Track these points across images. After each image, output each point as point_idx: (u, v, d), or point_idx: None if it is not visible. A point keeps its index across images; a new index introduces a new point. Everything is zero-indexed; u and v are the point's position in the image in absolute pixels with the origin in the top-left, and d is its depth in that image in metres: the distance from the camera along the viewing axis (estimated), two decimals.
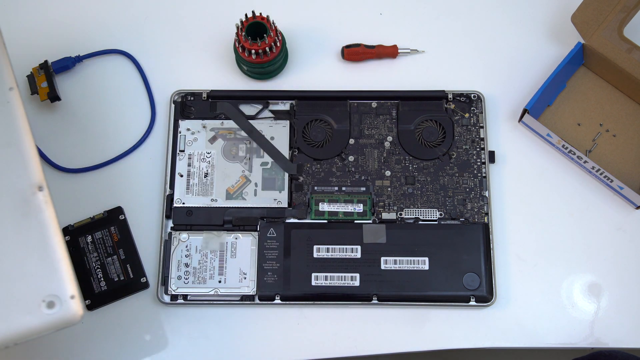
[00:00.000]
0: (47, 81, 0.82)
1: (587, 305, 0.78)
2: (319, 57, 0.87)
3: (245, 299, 0.77)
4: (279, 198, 0.80)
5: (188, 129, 0.82)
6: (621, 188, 0.78)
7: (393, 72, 0.86)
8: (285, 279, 0.77)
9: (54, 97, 0.82)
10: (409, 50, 0.86)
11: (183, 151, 0.81)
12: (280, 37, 0.82)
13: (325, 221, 0.79)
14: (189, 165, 0.81)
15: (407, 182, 0.80)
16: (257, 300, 0.77)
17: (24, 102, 0.84)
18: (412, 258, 0.77)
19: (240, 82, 0.86)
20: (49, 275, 0.61)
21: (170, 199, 0.80)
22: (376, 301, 0.77)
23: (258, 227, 0.79)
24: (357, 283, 0.77)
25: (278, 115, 0.83)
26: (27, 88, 0.84)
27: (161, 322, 0.78)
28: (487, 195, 0.80)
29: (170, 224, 0.79)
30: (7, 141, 0.65)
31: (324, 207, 0.80)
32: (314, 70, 0.86)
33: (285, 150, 0.81)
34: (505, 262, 0.79)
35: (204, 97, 0.83)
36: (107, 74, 0.86)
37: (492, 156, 0.81)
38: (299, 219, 0.79)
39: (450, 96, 0.83)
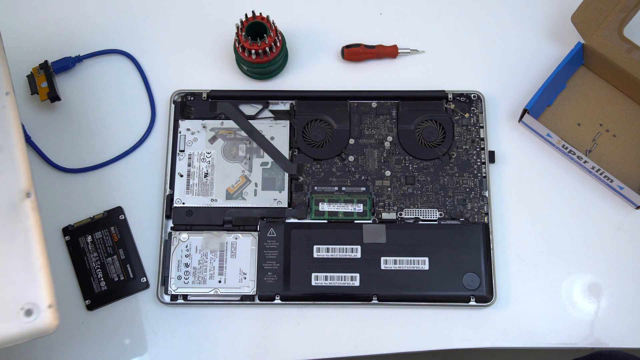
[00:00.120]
0: (47, 81, 0.82)
1: (587, 305, 0.78)
2: (319, 57, 0.87)
3: (245, 299, 0.77)
4: (279, 198, 0.80)
5: (188, 129, 0.82)
6: (621, 188, 0.78)
7: (393, 72, 0.86)
8: (285, 279, 0.77)
9: (54, 97, 0.82)
10: (409, 50, 0.86)
11: (183, 151, 0.81)
12: (280, 37, 0.82)
13: (325, 221, 0.79)
14: (189, 165, 0.81)
15: (407, 182, 0.80)
16: (257, 300, 0.77)
17: (24, 102, 0.85)
18: (412, 258, 0.77)
19: (240, 82, 0.86)
20: (29, 283, 0.61)
21: (170, 199, 0.80)
22: (376, 301, 0.77)
23: (258, 227, 0.79)
24: (357, 283, 0.77)
25: (278, 115, 0.83)
26: (27, 88, 0.84)
27: (161, 322, 0.78)
28: (487, 195, 0.80)
29: (170, 224, 0.80)
30: (0, 145, 0.65)
31: (324, 207, 0.80)
32: (314, 70, 0.86)
33: (285, 150, 0.81)
34: (505, 262, 0.79)
35: (204, 97, 0.83)
36: (107, 74, 0.86)
37: (492, 156, 0.81)
38: (299, 219, 0.79)
39: (450, 96, 0.83)
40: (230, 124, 0.82)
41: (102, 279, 0.78)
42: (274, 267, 0.77)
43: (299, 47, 0.87)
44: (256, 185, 0.80)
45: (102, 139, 0.84)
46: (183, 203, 0.80)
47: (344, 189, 0.80)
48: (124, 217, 0.80)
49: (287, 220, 0.79)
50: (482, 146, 0.81)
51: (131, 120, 0.84)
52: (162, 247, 0.78)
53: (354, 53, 0.85)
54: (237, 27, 0.80)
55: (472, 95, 0.83)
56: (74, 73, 0.86)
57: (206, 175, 0.81)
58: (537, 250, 0.79)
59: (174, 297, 0.77)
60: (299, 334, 0.77)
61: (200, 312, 0.78)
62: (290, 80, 0.86)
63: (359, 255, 0.78)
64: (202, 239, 0.78)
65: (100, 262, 0.79)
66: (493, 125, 0.83)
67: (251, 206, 0.79)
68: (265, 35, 0.80)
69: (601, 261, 0.79)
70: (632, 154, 0.81)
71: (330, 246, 0.78)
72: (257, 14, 0.80)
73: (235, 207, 0.79)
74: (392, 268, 0.77)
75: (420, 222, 0.79)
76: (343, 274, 0.77)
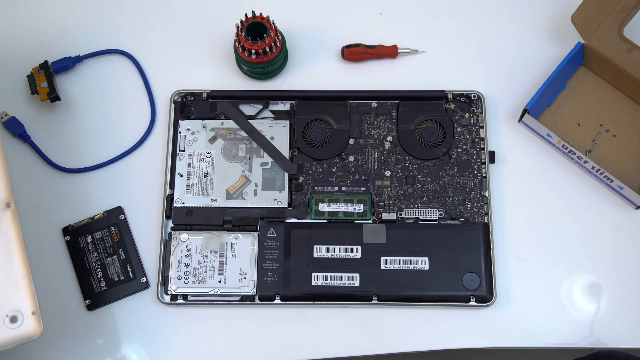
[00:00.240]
0: (47, 81, 0.82)
1: (587, 305, 0.78)
2: (319, 57, 0.87)
3: (245, 299, 0.77)
4: (279, 198, 0.80)
5: (188, 129, 0.82)
6: (621, 188, 0.78)
7: (393, 72, 0.86)
8: (285, 279, 0.77)
9: (54, 97, 0.82)
10: (409, 50, 0.86)
11: (183, 151, 0.81)
12: (280, 37, 0.82)
13: (325, 221, 0.79)
14: (189, 165, 0.81)
15: (407, 182, 0.80)
16: (257, 300, 0.77)
17: (24, 102, 0.85)
18: (412, 258, 0.77)
19: (240, 82, 0.86)
20: (12, 291, 0.63)
21: (170, 199, 0.80)
22: (376, 301, 0.77)
23: (258, 227, 0.79)
24: (357, 283, 0.77)
25: (278, 115, 0.83)
26: (27, 88, 0.84)
27: (161, 322, 0.78)
28: (487, 195, 0.80)
29: (170, 224, 0.79)
30: None
31: (324, 207, 0.80)
32: (314, 70, 0.86)
33: (285, 150, 0.81)
34: (505, 262, 0.79)
35: (204, 97, 0.83)
36: (107, 74, 0.86)
37: (492, 156, 0.81)
38: (299, 219, 0.79)
39: (450, 96, 0.83)
40: (230, 124, 0.82)
41: (102, 279, 0.78)
42: (274, 267, 0.77)
43: (299, 47, 0.87)
44: (256, 185, 0.80)
45: (102, 139, 0.84)
46: (183, 203, 0.80)
47: (344, 189, 0.80)
48: (124, 217, 0.80)
49: (287, 220, 0.79)
50: (482, 146, 0.81)
51: (131, 120, 0.84)
52: (162, 247, 0.78)
53: (354, 53, 0.85)
54: (237, 27, 0.80)
55: (472, 95, 0.83)
56: (74, 73, 0.86)
57: (206, 175, 0.81)
58: (537, 250, 0.79)
59: (174, 297, 0.77)
60: (299, 334, 0.77)
61: (200, 312, 0.78)
62: (290, 80, 0.86)
63: (359, 255, 0.78)
64: (202, 239, 0.78)
65: (100, 262, 0.79)
66: (493, 125, 0.83)
67: (251, 206, 0.79)
68: (265, 35, 0.80)
69: (601, 261, 0.79)
70: (632, 154, 0.81)
71: (330, 246, 0.78)
72: (257, 14, 0.80)
73: (235, 207, 0.79)
74: (392, 268, 0.77)
75: (420, 222, 0.79)
76: (343, 274, 0.77)
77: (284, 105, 0.83)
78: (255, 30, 0.81)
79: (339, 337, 0.77)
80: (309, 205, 0.80)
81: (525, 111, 0.80)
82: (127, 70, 0.86)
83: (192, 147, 0.81)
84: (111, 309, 0.78)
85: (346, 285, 0.77)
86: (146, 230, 0.80)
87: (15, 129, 0.82)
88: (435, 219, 0.79)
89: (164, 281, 0.77)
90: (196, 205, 0.79)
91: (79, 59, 0.86)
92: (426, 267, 0.77)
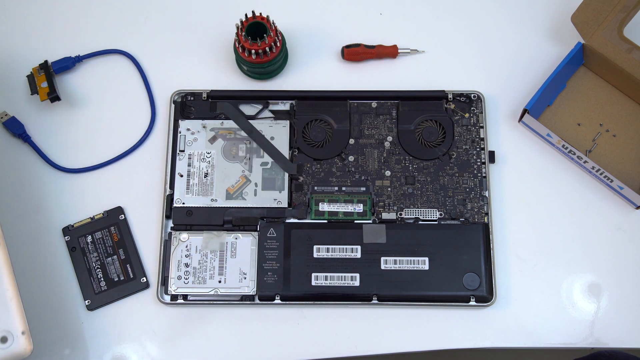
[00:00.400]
0: (47, 81, 0.82)
1: (587, 305, 0.78)
2: (319, 57, 0.87)
3: (245, 299, 0.77)
4: (279, 198, 0.80)
5: (188, 129, 0.82)
6: (621, 188, 0.78)
7: (393, 72, 0.86)
8: (285, 279, 0.77)
9: (54, 97, 0.82)
10: (409, 50, 0.86)
11: (183, 151, 0.81)
12: (280, 37, 0.82)
13: (325, 221, 0.79)
14: (189, 165, 0.81)
15: (407, 182, 0.80)
16: (257, 300, 0.77)
17: (24, 102, 0.85)
18: (412, 258, 0.77)
19: (240, 82, 0.86)
20: (2, 313, 0.66)
21: (170, 199, 0.80)
22: (376, 301, 0.77)
23: (258, 227, 0.79)
24: (357, 283, 0.77)
25: (278, 115, 0.83)
26: (27, 88, 0.84)
27: (161, 322, 0.78)
28: (487, 195, 0.80)
29: (170, 224, 0.79)
30: None
31: (324, 207, 0.80)
32: (314, 70, 0.86)
33: (285, 150, 0.81)
34: (505, 262, 0.79)
35: (204, 97, 0.83)
36: (107, 74, 0.86)
37: (492, 156, 0.81)
38: (299, 219, 0.79)
39: (450, 96, 0.83)
40: (230, 124, 0.82)
41: (102, 279, 0.78)
42: (274, 267, 0.77)
43: (299, 47, 0.87)
44: (256, 185, 0.80)
45: (102, 139, 0.84)
46: (183, 203, 0.80)
47: (344, 189, 0.80)
48: (124, 217, 0.80)
49: (287, 220, 0.79)
50: (482, 146, 0.81)
51: (131, 120, 0.84)
52: (162, 247, 0.78)
53: (354, 53, 0.85)
54: (237, 27, 0.80)
55: (472, 95, 0.83)
56: (74, 73, 0.86)
57: (206, 175, 0.81)
58: (537, 250, 0.79)
59: (174, 297, 0.77)
60: (299, 334, 0.77)
61: (200, 312, 0.78)
62: (290, 80, 0.86)
63: (359, 255, 0.78)
64: (202, 239, 0.78)
65: (100, 262, 0.79)
66: (493, 125, 0.83)
67: (251, 206, 0.79)
68: (265, 35, 0.80)
69: (601, 261, 0.79)
70: (632, 154, 0.81)
71: (330, 246, 0.78)
72: (257, 14, 0.80)
73: (235, 207, 0.79)
74: (392, 268, 0.77)
75: (420, 222, 0.79)
76: (343, 274, 0.77)
77: (284, 105, 0.83)
78: (255, 30, 0.81)
79: (339, 337, 0.77)
80: (309, 205, 0.80)
81: (525, 111, 0.80)
82: (127, 70, 0.86)
83: (192, 147, 0.81)
84: (111, 309, 0.78)
85: (346, 285, 0.77)
86: (146, 230, 0.80)
87: (15, 129, 0.82)
88: (435, 219, 0.79)
89: (164, 281, 0.77)
90: (196, 205, 0.79)
91: (79, 59, 0.86)
92: (426, 267, 0.77)
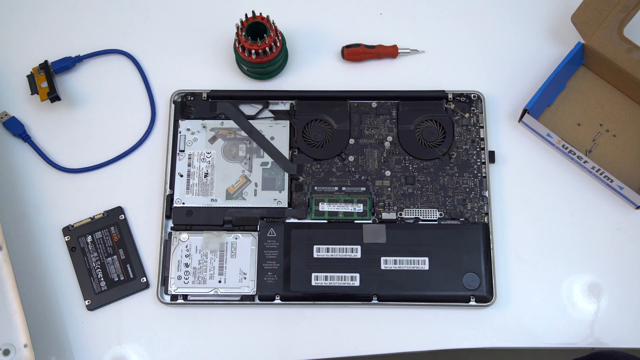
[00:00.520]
0: (47, 81, 0.82)
1: (587, 305, 0.78)
2: (319, 57, 0.87)
3: (245, 299, 0.77)
4: (279, 198, 0.80)
5: (188, 129, 0.82)
6: (621, 188, 0.78)
7: (393, 72, 0.86)
8: (285, 279, 0.77)
9: (54, 97, 0.82)
10: (409, 50, 0.86)
11: (183, 151, 0.81)
12: (280, 37, 0.82)
13: (325, 221, 0.79)
14: (189, 165, 0.81)
15: (407, 182, 0.80)
16: (257, 300, 0.77)
17: (24, 102, 0.85)
18: (412, 258, 0.77)
19: (240, 82, 0.86)
20: (6, 326, 0.69)
21: (170, 199, 0.80)
22: (376, 301, 0.77)
23: (258, 227, 0.79)
24: (357, 283, 0.77)
25: (278, 115, 0.83)
26: (27, 88, 0.84)
27: (161, 322, 0.78)
28: (487, 195, 0.80)
29: (170, 224, 0.79)
30: None
31: (324, 207, 0.80)
32: (314, 70, 0.86)
33: (285, 150, 0.81)
34: (505, 262, 0.79)
35: (204, 97, 0.83)
36: (107, 74, 0.86)
37: (492, 156, 0.81)
38: (299, 219, 0.79)
39: (450, 96, 0.83)
40: (230, 124, 0.82)
41: (102, 279, 0.78)
42: (274, 267, 0.77)
43: (299, 47, 0.87)
44: (256, 185, 0.80)
45: (102, 139, 0.84)
46: (183, 203, 0.80)
47: (344, 189, 0.80)
48: (124, 217, 0.80)
49: (287, 220, 0.79)
50: (482, 146, 0.81)
51: (131, 120, 0.84)
52: (162, 247, 0.78)
53: (354, 53, 0.85)
54: (237, 27, 0.80)
55: (472, 95, 0.83)
56: (74, 73, 0.86)
57: (206, 175, 0.81)
58: (537, 250, 0.79)
59: (174, 297, 0.77)
60: (299, 334, 0.77)
61: (200, 312, 0.78)
62: (290, 80, 0.86)
63: (359, 255, 0.78)
64: (202, 239, 0.78)
65: (100, 262, 0.79)
66: (493, 125, 0.83)
67: (251, 206, 0.79)
68: (265, 35, 0.80)
69: (601, 261, 0.79)
70: (632, 154, 0.81)
71: (330, 246, 0.78)
72: (257, 14, 0.80)
73: (235, 207, 0.79)
74: (392, 268, 0.77)
75: (420, 222, 0.79)
76: (343, 274, 0.77)
77: (284, 105, 0.83)
78: (255, 30, 0.81)
79: (339, 337, 0.77)
80: (309, 205, 0.80)
81: (525, 111, 0.80)
82: (127, 70, 0.86)
83: (192, 147, 0.81)
84: (111, 309, 0.78)
85: (346, 285, 0.77)
86: (146, 230, 0.80)
87: (15, 129, 0.82)
88: (435, 219, 0.79)
89: (164, 281, 0.77)
90: (196, 205, 0.79)
91: (79, 59, 0.86)
92: (426, 267, 0.77)
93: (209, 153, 0.81)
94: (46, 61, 0.84)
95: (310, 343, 0.77)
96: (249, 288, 0.77)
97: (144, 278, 0.79)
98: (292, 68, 0.86)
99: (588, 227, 0.80)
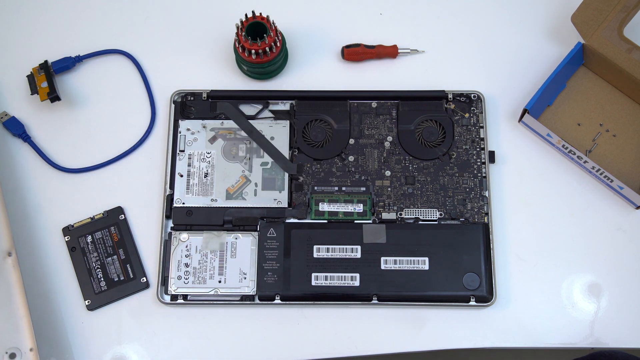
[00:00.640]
0: (47, 81, 0.82)
1: (587, 305, 0.78)
2: (319, 57, 0.87)
3: (245, 299, 0.77)
4: (279, 198, 0.80)
5: (188, 129, 0.82)
6: (621, 188, 0.78)
7: (393, 72, 0.86)
8: (285, 279, 0.77)
9: (54, 97, 0.82)
10: (409, 50, 0.86)
11: (183, 151, 0.81)
12: (280, 37, 0.82)
13: (325, 221, 0.79)
14: (189, 165, 0.81)
15: (407, 182, 0.80)
16: (257, 300, 0.77)
17: (24, 102, 0.85)
18: (412, 258, 0.77)
19: (240, 82, 0.86)
20: (12, 330, 0.71)
21: (170, 199, 0.80)
22: (376, 301, 0.77)
23: (258, 227, 0.79)
24: (357, 283, 0.77)
25: (278, 115, 0.83)
26: (27, 88, 0.84)
27: (161, 322, 0.78)
28: (487, 195, 0.80)
29: (170, 224, 0.79)
30: None
31: (324, 207, 0.80)
32: (314, 70, 0.86)
33: (285, 150, 0.81)
34: (505, 262, 0.79)
35: (204, 97, 0.83)
36: (107, 74, 0.86)
37: (492, 156, 0.81)
38: (299, 219, 0.79)
39: (450, 96, 0.83)
40: (230, 124, 0.82)
41: (102, 279, 0.78)
42: (274, 267, 0.77)
43: (299, 47, 0.87)
44: (256, 185, 0.80)
45: (102, 139, 0.84)
46: (183, 203, 0.80)
47: (344, 189, 0.80)
48: (124, 217, 0.80)
49: (287, 220, 0.79)
50: (482, 146, 0.81)
51: (131, 120, 0.84)
52: (162, 247, 0.78)
53: (354, 53, 0.85)
54: (237, 27, 0.80)
55: (472, 95, 0.83)
56: (74, 73, 0.86)
57: (206, 175, 0.81)
58: (537, 250, 0.79)
59: (174, 297, 0.77)
60: (299, 334, 0.77)
61: (200, 312, 0.78)
62: (290, 80, 0.86)
63: (359, 255, 0.78)
64: (202, 239, 0.78)
65: (100, 262, 0.79)
66: (493, 125, 0.83)
67: (251, 206, 0.79)
68: (265, 35, 0.80)
69: (601, 261, 0.79)
70: (632, 154, 0.81)
71: (330, 246, 0.78)
72: (257, 14, 0.80)
73: (235, 207, 0.79)
74: (392, 268, 0.77)
75: (420, 222, 0.79)
76: (343, 274, 0.77)
77: (284, 105, 0.83)
78: (255, 30, 0.81)
79: (339, 337, 0.77)
80: (309, 205, 0.80)
81: (525, 111, 0.80)
82: (127, 70, 0.86)
83: (192, 147, 0.81)
84: (111, 309, 0.78)
85: (346, 285, 0.77)
86: (146, 230, 0.80)
87: (15, 129, 0.82)
88: (435, 219, 0.79)
89: (164, 281, 0.77)
90: (196, 205, 0.79)
91: (79, 59, 0.86)
92: (426, 267, 0.77)
93: (209, 153, 0.81)
94: (46, 61, 0.84)
95: (310, 343, 0.77)
96: (249, 288, 0.77)
97: (144, 278, 0.79)
98: (292, 68, 0.86)
99: (588, 227, 0.80)
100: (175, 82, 0.85)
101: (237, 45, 0.81)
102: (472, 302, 0.76)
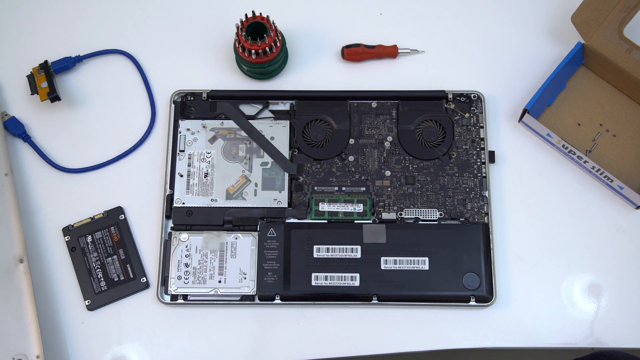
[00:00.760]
0: (47, 81, 0.82)
1: (587, 305, 0.78)
2: (319, 57, 0.87)
3: (245, 299, 0.77)
4: (279, 198, 0.80)
5: (188, 129, 0.82)
6: (621, 188, 0.78)
7: (393, 72, 0.86)
8: (285, 279, 0.77)
9: (54, 97, 0.82)
10: (409, 50, 0.86)
11: (183, 151, 0.81)
12: (280, 37, 0.82)
13: (325, 221, 0.79)
14: (189, 165, 0.81)
15: (407, 182, 0.80)
16: (257, 300, 0.77)
17: (24, 102, 0.85)
18: (412, 258, 0.77)
19: (240, 82, 0.86)
20: (20, 336, 0.72)
21: (170, 199, 0.80)
22: (376, 301, 0.77)
23: (258, 227, 0.79)
24: (357, 283, 0.77)
25: (278, 115, 0.83)
26: (27, 88, 0.84)
27: (161, 322, 0.78)
28: (487, 195, 0.80)
29: (170, 224, 0.79)
30: None
31: (324, 207, 0.80)
32: (314, 70, 0.86)
33: (285, 150, 0.81)
34: (505, 262, 0.79)
35: (204, 97, 0.83)
36: (107, 74, 0.86)
37: (492, 156, 0.81)
38: (299, 219, 0.79)
39: (450, 96, 0.83)
40: (230, 124, 0.82)
41: (102, 279, 0.78)
42: (274, 267, 0.77)
43: (299, 47, 0.87)
44: (256, 185, 0.80)
45: (102, 139, 0.84)
46: (183, 203, 0.80)
47: (344, 189, 0.80)
48: (124, 217, 0.80)
49: (287, 220, 0.79)
50: (482, 146, 0.81)
51: (131, 120, 0.84)
52: (162, 247, 0.78)
53: (354, 53, 0.85)
54: (237, 27, 0.80)
55: (472, 95, 0.83)
56: (74, 73, 0.86)
57: (206, 175, 0.81)
58: (537, 250, 0.79)
59: (174, 297, 0.77)
60: (299, 334, 0.77)
61: (200, 312, 0.78)
62: (290, 80, 0.86)
63: (359, 255, 0.78)
64: (202, 239, 0.78)
65: (100, 262, 0.79)
66: (493, 125, 0.83)
67: (251, 206, 0.79)
68: (265, 35, 0.80)
69: (601, 261, 0.79)
70: (632, 154, 0.81)
71: (330, 246, 0.78)
72: (257, 14, 0.80)
73: (235, 207, 0.79)
74: (392, 268, 0.77)
75: (420, 222, 0.79)
76: (343, 274, 0.77)
77: (284, 105, 0.83)
78: (255, 30, 0.81)
79: (339, 337, 0.77)
80: (309, 205, 0.80)
81: (525, 111, 0.80)
82: (127, 70, 0.86)
83: (192, 147, 0.81)
84: (111, 309, 0.78)
85: (346, 285, 0.77)
86: (146, 230, 0.80)
87: (15, 129, 0.82)
88: (435, 219, 0.79)
89: (164, 281, 0.77)
90: (196, 205, 0.79)
91: (79, 59, 0.86)
92: (426, 267, 0.77)
93: (209, 153, 0.81)
94: (46, 61, 0.84)
95: (310, 343, 0.77)
96: (249, 288, 0.77)
97: (144, 278, 0.79)
98: (292, 68, 0.86)
99: (588, 227, 0.80)
100: (175, 82, 0.85)
101: (237, 45, 0.81)
102: (472, 302, 0.76)
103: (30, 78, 0.83)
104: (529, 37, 0.86)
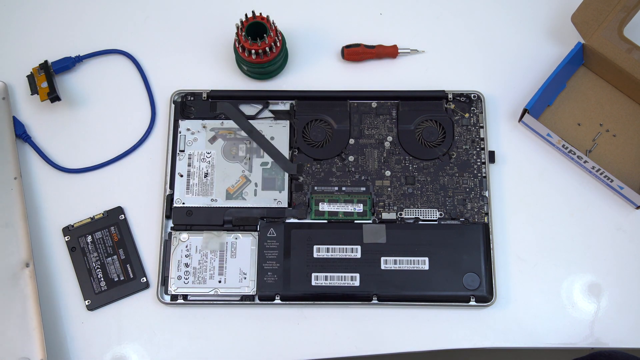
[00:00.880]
0: (47, 81, 0.82)
1: (587, 305, 0.78)
2: (319, 57, 0.87)
3: (245, 299, 0.77)
4: (279, 198, 0.80)
5: (188, 129, 0.82)
6: (621, 188, 0.78)
7: (393, 72, 0.86)
8: (285, 279, 0.77)
9: (54, 97, 0.82)
10: (409, 50, 0.86)
11: (183, 151, 0.81)
12: (280, 37, 0.82)
13: (325, 221, 0.79)
14: (189, 165, 0.81)
15: (407, 182, 0.80)
16: (257, 300, 0.77)
17: (24, 103, 0.85)
18: (412, 258, 0.77)
19: (240, 82, 0.86)
20: (25, 340, 0.73)
21: (170, 199, 0.80)
22: (376, 301, 0.77)
23: (258, 227, 0.79)
24: (357, 283, 0.77)
25: (278, 115, 0.83)
26: (27, 88, 0.84)
27: (161, 322, 0.78)
28: (487, 195, 0.80)
29: (170, 224, 0.79)
30: (6, 222, 0.77)
31: (324, 207, 0.80)
32: (314, 70, 0.86)
33: (285, 150, 0.81)
34: (505, 262, 0.79)
35: (204, 97, 0.83)
36: (107, 74, 0.86)
37: (492, 156, 0.81)
38: (299, 219, 0.79)
39: (450, 96, 0.83)
40: (230, 124, 0.82)
41: (102, 279, 0.78)
42: (274, 267, 0.77)
43: (299, 47, 0.87)
44: (256, 185, 0.80)
45: (102, 139, 0.84)
46: (183, 203, 0.80)
47: (344, 189, 0.80)
48: (124, 217, 0.80)
49: (287, 220, 0.79)
50: (482, 146, 0.81)
51: (131, 120, 0.84)
52: (162, 247, 0.78)
53: (354, 53, 0.85)
54: (237, 27, 0.80)
55: (472, 95, 0.83)
56: (74, 73, 0.86)
57: (206, 175, 0.81)
58: (537, 250, 0.79)
59: (174, 297, 0.77)
60: (299, 334, 0.77)
61: (200, 312, 0.78)
62: (290, 80, 0.86)
63: (359, 255, 0.78)
64: (202, 239, 0.78)
65: (100, 262, 0.79)
66: (493, 125, 0.83)
67: (251, 206, 0.79)
68: (265, 35, 0.80)
69: (601, 261, 0.79)
70: (632, 154, 0.81)
71: (330, 246, 0.78)
72: (257, 14, 0.80)
73: (235, 207, 0.79)
74: (392, 268, 0.77)
75: (420, 222, 0.79)
76: (343, 274, 0.77)
77: (284, 105, 0.83)
78: (255, 30, 0.81)
79: (339, 337, 0.77)
80: (309, 205, 0.80)
81: (525, 111, 0.80)
82: (127, 70, 0.87)
83: (192, 147, 0.81)
84: (111, 309, 0.78)
85: (346, 285, 0.77)
86: (146, 230, 0.80)
87: (16, 129, 0.82)
88: (435, 219, 0.79)
89: (164, 281, 0.77)
90: (196, 205, 0.79)
91: (79, 59, 0.86)
92: (426, 267, 0.77)
93: (209, 153, 0.81)
94: (46, 61, 0.84)
95: (310, 343, 0.77)
96: (249, 288, 0.77)
97: (144, 278, 0.79)
98: (292, 68, 0.86)
99: (588, 227, 0.80)
100: (175, 82, 0.85)
101: (237, 45, 0.81)
102: (472, 302, 0.76)
103: (30, 78, 0.84)
104: (529, 37, 0.86)
